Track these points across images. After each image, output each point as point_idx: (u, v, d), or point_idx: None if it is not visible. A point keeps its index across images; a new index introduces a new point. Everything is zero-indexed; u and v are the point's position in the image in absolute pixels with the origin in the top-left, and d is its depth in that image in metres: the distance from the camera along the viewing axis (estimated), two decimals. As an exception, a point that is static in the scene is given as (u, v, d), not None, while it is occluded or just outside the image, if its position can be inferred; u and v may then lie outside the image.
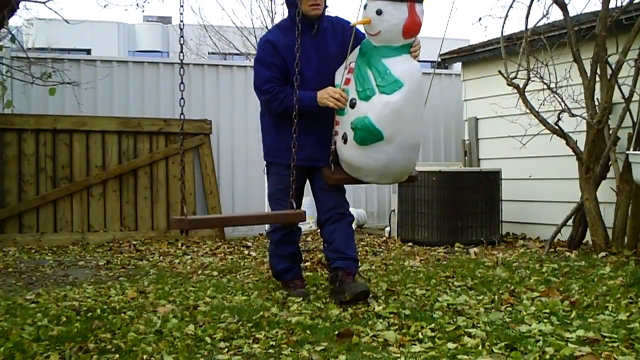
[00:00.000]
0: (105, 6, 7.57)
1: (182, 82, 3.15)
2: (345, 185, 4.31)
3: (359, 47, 3.91)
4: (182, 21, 3.15)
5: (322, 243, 4.46)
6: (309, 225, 7.67)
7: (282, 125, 3.96)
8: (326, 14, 4.15)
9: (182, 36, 3.12)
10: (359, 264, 4.61)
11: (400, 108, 3.69)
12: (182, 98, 3.16)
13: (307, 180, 4.28)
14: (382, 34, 3.75)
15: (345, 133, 3.84)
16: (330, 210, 4.16)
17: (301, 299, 4.02)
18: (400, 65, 3.75)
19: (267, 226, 4.43)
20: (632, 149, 5.47)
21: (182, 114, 3.17)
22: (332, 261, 4.12)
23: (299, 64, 3.58)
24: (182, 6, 3.19)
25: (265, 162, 4.31)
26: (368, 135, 3.72)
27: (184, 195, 3.12)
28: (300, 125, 3.55)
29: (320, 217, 4.25)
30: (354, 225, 4.43)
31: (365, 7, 3.78)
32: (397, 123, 3.70)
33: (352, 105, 3.79)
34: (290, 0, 3.97)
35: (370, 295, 4.03)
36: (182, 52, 3.20)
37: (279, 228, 4.28)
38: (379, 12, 3.70)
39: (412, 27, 3.73)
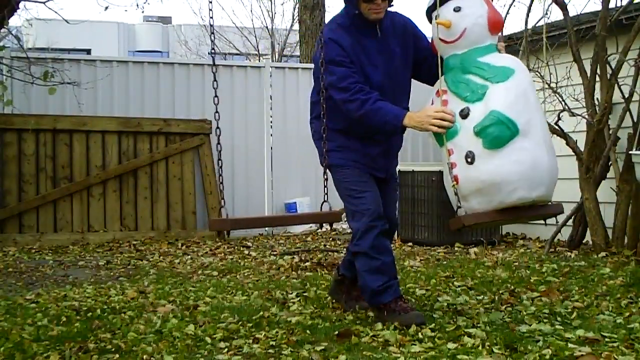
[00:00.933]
0: (106, 8, 7.57)
1: (215, 80, 3.09)
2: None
3: (442, 77, 3.41)
4: (211, 17, 3.08)
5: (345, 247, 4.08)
6: (309, 225, 7.67)
7: (351, 131, 3.55)
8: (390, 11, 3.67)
9: (212, 32, 3.06)
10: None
11: (524, 91, 3.25)
12: (215, 96, 3.12)
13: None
14: (467, 33, 3.34)
15: (468, 152, 3.20)
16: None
17: (414, 324, 3.27)
18: (499, 58, 3.37)
19: (350, 243, 3.62)
20: (634, 149, 5.46)
21: (216, 112, 3.16)
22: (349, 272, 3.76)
23: (376, 67, 3.31)
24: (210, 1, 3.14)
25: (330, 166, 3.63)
26: (502, 129, 3.15)
27: (223, 195, 3.06)
28: (368, 136, 3.29)
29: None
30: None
31: (437, 17, 3.39)
32: (527, 110, 3.21)
33: (465, 116, 3.24)
34: None
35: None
36: (213, 49, 3.15)
37: (367, 230, 3.43)
38: (457, 9, 3.36)
39: (498, 20, 3.41)
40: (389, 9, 3.57)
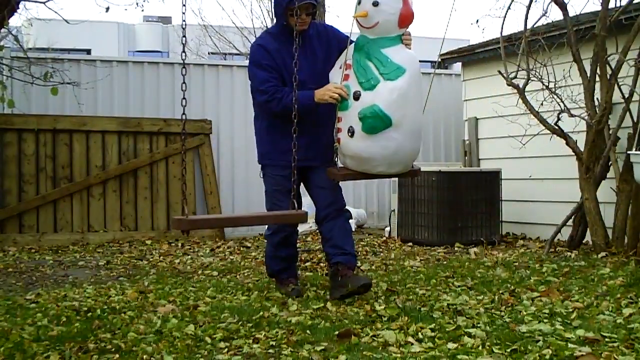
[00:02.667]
0: (107, 9, 7.55)
1: (184, 82, 3.14)
2: (345, 185, 4.35)
3: (352, 44, 4.01)
4: (184, 21, 3.15)
5: (320, 240, 4.50)
6: (309, 225, 7.67)
7: (275, 127, 4.15)
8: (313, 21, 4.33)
9: (184, 36, 3.12)
10: (359, 264, 4.61)
11: (405, 92, 3.81)
12: (184, 98, 3.15)
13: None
14: (379, 25, 3.88)
15: (351, 126, 3.88)
16: (327, 207, 4.24)
17: (295, 297, 4.09)
18: (399, 53, 3.90)
19: (265, 228, 4.42)
20: (634, 149, 5.46)
21: (183, 113, 3.17)
22: (332, 257, 4.19)
23: (297, 64, 3.73)
24: (184, 5, 3.20)
25: (260, 166, 4.38)
26: (378, 122, 3.79)
27: (185, 195, 3.12)
28: (292, 128, 3.64)
29: (319, 214, 4.30)
30: (353, 226, 4.47)
31: (359, 2, 3.91)
32: (403, 108, 3.82)
33: (357, 97, 3.86)
34: (278, 13, 4.16)
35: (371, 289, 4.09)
36: (184, 51, 3.20)
37: (278, 230, 4.31)
38: (375, 4, 3.83)
39: (407, 16, 3.89)
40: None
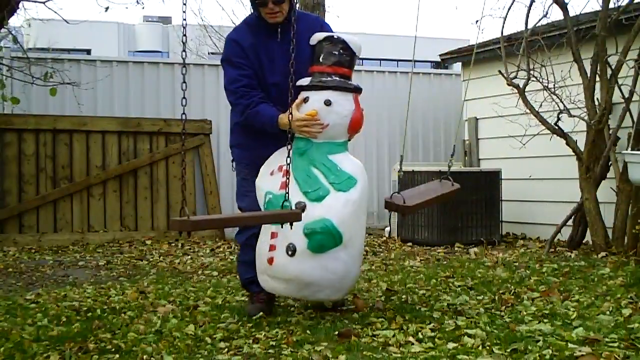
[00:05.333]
0: (106, 9, 7.55)
1: (184, 82, 3.10)
2: None
3: (284, 149, 3.34)
4: (185, 19, 3.07)
5: None
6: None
7: (248, 129, 3.72)
8: (302, 12, 3.86)
9: (185, 35, 3.03)
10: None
11: (359, 206, 3.39)
12: (184, 98, 3.12)
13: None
14: (329, 128, 3.44)
15: (291, 244, 3.30)
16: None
17: (259, 314, 3.58)
18: (348, 162, 3.48)
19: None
20: (629, 148, 5.45)
21: (183, 113, 3.14)
22: None
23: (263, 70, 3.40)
24: (185, 4, 3.12)
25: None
26: (328, 239, 3.27)
27: (184, 196, 3.09)
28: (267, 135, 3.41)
29: None
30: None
31: (305, 100, 3.47)
32: (355, 224, 3.36)
33: (301, 209, 3.31)
34: (250, 2, 3.67)
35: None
36: (184, 50, 3.11)
37: (246, 228, 3.82)
38: (327, 103, 3.43)
39: (358, 121, 3.51)
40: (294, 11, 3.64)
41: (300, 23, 3.57)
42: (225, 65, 3.71)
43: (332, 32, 3.72)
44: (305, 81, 3.52)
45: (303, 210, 3.28)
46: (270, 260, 3.37)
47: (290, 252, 3.30)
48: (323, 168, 3.40)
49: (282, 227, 3.23)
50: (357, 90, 3.56)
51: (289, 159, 3.24)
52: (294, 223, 3.20)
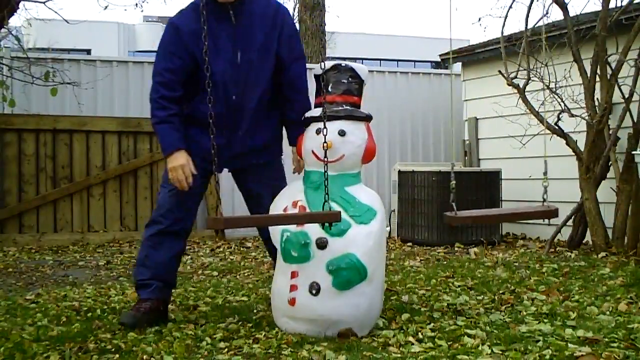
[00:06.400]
0: (106, 7, 7.57)
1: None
2: None
3: (296, 184, 3.38)
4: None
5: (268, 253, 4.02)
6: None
7: (191, 117, 3.42)
8: None
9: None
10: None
11: (380, 238, 3.27)
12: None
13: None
14: (344, 159, 3.32)
15: (314, 282, 3.18)
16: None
17: (130, 323, 3.36)
18: (364, 193, 3.36)
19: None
20: (639, 149, 5.44)
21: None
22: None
23: (208, 62, 2.95)
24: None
25: None
26: (354, 275, 3.15)
27: (219, 195, 3.03)
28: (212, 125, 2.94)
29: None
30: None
31: (317, 132, 3.28)
32: (377, 256, 3.25)
33: (322, 246, 3.18)
34: None
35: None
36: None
37: (152, 223, 3.73)
38: (342, 133, 3.31)
39: (372, 150, 3.41)
40: None
41: (253, 5, 3.35)
42: (158, 52, 3.38)
43: (289, 15, 3.52)
44: (316, 112, 3.38)
45: (325, 247, 3.18)
46: (292, 302, 3.22)
47: (314, 292, 3.18)
48: (341, 201, 3.26)
49: (307, 262, 3.15)
50: (368, 118, 3.46)
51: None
52: (317, 259, 3.14)
